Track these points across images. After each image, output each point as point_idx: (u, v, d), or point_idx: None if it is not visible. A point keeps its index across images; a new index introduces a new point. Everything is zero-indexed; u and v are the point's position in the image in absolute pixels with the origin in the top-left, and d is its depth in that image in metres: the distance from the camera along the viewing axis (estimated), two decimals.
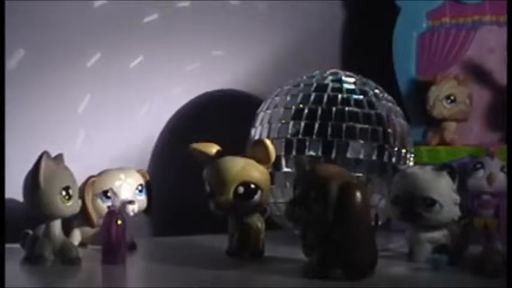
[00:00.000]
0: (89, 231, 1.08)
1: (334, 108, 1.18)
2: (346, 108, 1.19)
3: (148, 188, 1.14)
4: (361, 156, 1.19)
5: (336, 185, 0.81)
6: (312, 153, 1.18)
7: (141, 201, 1.12)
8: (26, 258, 0.95)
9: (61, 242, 0.94)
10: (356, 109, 1.19)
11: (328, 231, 0.82)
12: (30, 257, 0.95)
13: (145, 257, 1.09)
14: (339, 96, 1.20)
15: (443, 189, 0.98)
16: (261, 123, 1.26)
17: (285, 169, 1.19)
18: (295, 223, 1.06)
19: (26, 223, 0.98)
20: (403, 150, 1.24)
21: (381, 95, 1.26)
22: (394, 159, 1.21)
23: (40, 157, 0.91)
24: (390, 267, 0.98)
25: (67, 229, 1.01)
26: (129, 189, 1.10)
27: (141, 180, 1.13)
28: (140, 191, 1.12)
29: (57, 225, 0.94)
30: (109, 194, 1.06)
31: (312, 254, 0.85)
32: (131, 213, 1.08)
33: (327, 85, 1.23)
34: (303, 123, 1.19)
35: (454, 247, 0.99)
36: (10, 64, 1.20)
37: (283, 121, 1.22)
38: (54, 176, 0.92)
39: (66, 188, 0.93)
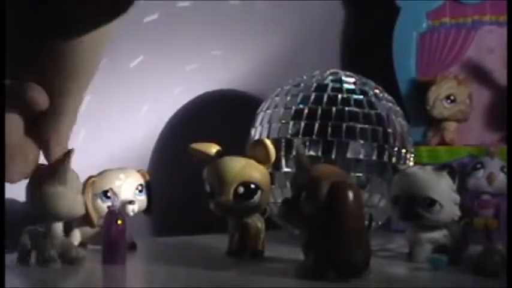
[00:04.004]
0: (89, 231, 1.08)
1: (334, 108, 1.19)
2: (346, 108, 1.19)
3: (149, 188, 1.14)
4: (361, 156, 1.19)
5: (325, 184, 0.81)
6: (312, 153, 1.18)
7: (141, 201, 1.11)
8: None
9: (61, 242, 0.94)
10: (356, 109, 1.19)
11: (319, 231, 0.81)
12: (29, 257, 0.95)
13: (146, 257, 1.09)
14: (339, 96, 1.20)
15: (443, 189, 0.98)
16: (261, 123, 1.26)
17: (285, 169, 1.19)
18: (287, 223, 1.06)
19: (26, 223, 0.98)
20: (403, 150, 1.24)
21: (381, 95, 1.26)
22: (394, 159, 1.21)
23: None
24: (390, 267, 0.98)
25: (67, 229, 1.01)
26: (129, 189, 1.10)
27: (141, 180, 1.12)
28: (140, 191, 1.12)
29: (57, 225, 0.94)
30: (109, 194, 1.06)
31: (308, 254, 0.85)
32: (131, 213, 1.08)
33: (327, 85, 1.23)
34: (303, 123, 1.19)
35: (454, 247, 0.99)
36: None
37: (283, 121, 1.22)
38: None
39: None
